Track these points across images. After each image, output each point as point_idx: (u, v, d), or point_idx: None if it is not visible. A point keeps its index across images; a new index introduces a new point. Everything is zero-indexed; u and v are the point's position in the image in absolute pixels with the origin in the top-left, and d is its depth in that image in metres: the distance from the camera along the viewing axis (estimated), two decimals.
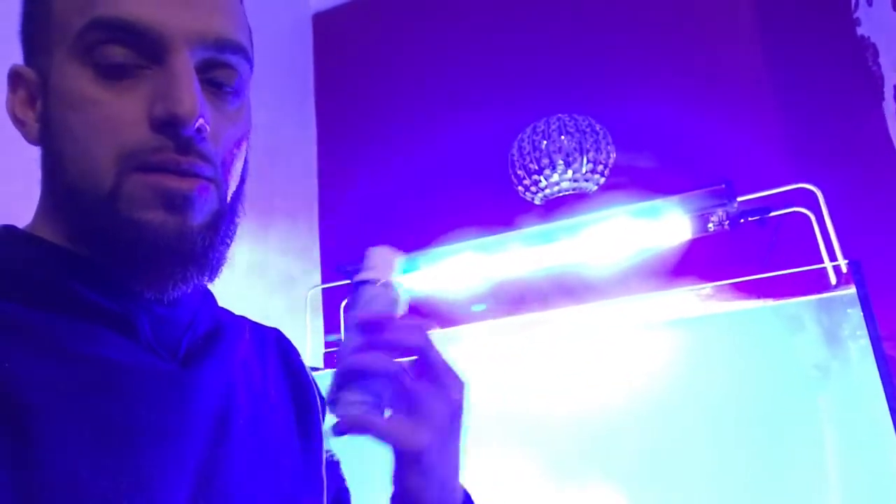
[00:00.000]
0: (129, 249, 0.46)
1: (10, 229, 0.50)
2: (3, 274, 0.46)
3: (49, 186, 0.50)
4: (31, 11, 0.51)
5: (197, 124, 0.44)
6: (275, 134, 1.69)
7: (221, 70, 0.48)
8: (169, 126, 0.44)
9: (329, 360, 1.52)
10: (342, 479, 0.65)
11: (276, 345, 0.63)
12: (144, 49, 0.45)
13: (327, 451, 0.62)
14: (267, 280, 1.55)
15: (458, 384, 0.53)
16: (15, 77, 0.50)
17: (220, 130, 0.48)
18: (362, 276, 0.56)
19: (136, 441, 0.43)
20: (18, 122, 0.50)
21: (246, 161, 0.52)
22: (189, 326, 0.52)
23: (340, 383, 0.51)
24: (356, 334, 0.52)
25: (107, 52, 0.45)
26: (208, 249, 0.48)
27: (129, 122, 0.45)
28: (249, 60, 0.51)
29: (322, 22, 1.97)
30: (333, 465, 0.63)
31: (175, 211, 0.45)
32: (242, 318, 0.62)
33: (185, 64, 0.45)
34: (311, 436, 0.60)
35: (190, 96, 0.44)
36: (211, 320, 0.56)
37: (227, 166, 0.49)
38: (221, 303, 0.61)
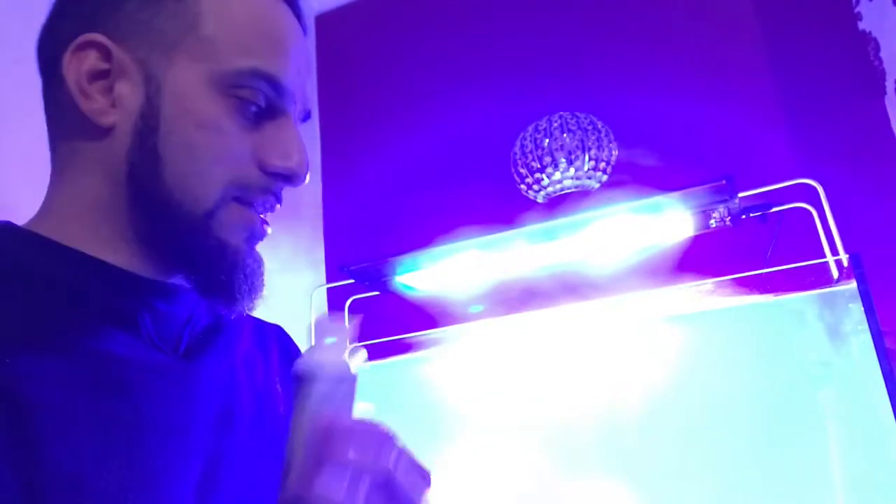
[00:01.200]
0: (210, 265, 0.50)
1: (9, 226, 0.50)
2: (3, 271, 0.47)
3: (132, 181, 0.48)
4: (167, 3, 0.49)
5: (304, 182, 0.53)
6: None
7: None
8: (283, 178, 0.52)
9: None
10: None
11: (278, 342, 0.64)
12: (274, 104, 0.51)
13: None
14: (271, 280, 1.56)
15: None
16: (89, 44, 0.48)
17: None
18: (316, 359, 0.48)
19: (140, 435, 0.44)
20: (83, 94, 0.48)
21: None
22: (188, 321, 0.53)
23: None
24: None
25: (252, 97, 0.50)
26: (258, 272, 0.54)
27: (245, 160, 0.50)
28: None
29: (325, 23, 1.98)
30: None
31: (250, 243, 0.52)
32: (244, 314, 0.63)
33: (297, 128, 0.53)
34: None
35: (305, 157, 0.52)
36: (211, 315, 0.57)
37: None
38: None
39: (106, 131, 0.48)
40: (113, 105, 0.48)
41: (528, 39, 1.70)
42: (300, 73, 0.53)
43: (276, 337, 0.65)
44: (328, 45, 1.95)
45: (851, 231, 1.19)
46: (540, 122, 1.46)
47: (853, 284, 1.00)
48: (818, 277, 1.13)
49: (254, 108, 0.50)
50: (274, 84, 0.50)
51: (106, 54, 0.48)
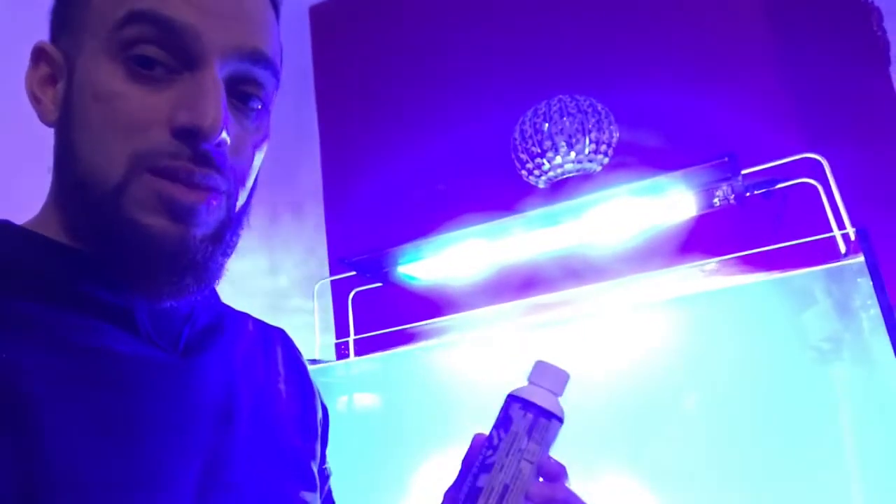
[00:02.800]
0: (125, 250, 0.45)
1: (6, 224, 0.50)
2: (1, 269, 0.46)
3: (58, 172, 0.50)
4: None
5: (217, 140, 0.44)
6: (277, 125, 1.69)
7: (250, 85, 0.48)
8: (190, 136, 0.44)
9: (339, 352, 1.53)
10: (330, 494, 0.65)
11: (280, 344, 0.63)
12: (178, 52, 0.45)
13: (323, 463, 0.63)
14: (274, 273, 1.55)
15: None
16: (39, 53, 0.50)
17: (239, 143, 0.48)
18: (543, 403, 0.51)
19: (139, 432, 0.44)
20: (35, 100, 0.50)
21: (257, 175, 0.52)
22: (188, 319, 0.52)
23: None
24: (541, 479, 0.50)
25: (140, 50, 0.45)
26: (208, 260, 0.47)
27: (150, 123, 0.44)
28: (278, 78, 0.51)
29: (319, 14, 1.97)
30: (324, 479, 0.63)
31: (178, 220, 0.45)
32: (245, 314, 0.62)
33: (215, 76, 0.45)
34: (308, 435, 0.60)
35: (216, 110, 0.44)
36: (211, 314, 0.56)
37: (239, 180, 0.49)
38: (228, 295, 0.61)
39: (55, 131, 0.50)
40: (54, 104, 0.49)
41: (526, 23, 1.68)
42: (217, 13, 0.46)
43: (279, 340, 0.63)
44: (323, 37, 1.94)
45: (858, 204, 1.17)
46: (539, 106, 1.45)
47: (861, 259, 0.98)
48: (825, 253, 1.11)
49: (158, 65, 0.45)
50: (159, 23, 0.44)
51: (49, 59, 0.49)
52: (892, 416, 0.98)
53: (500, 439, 0.50)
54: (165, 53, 0.45)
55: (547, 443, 0.51)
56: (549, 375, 0.52)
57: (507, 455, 0.49)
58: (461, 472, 0.53)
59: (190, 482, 0.45)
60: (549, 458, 0.51)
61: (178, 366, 0.49)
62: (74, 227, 0.48)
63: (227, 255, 0.50)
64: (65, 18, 0.49)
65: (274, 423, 0.55)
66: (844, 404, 1.06)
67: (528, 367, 0.53)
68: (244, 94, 0.48)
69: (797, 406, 1.08)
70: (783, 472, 1.06)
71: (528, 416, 0.50)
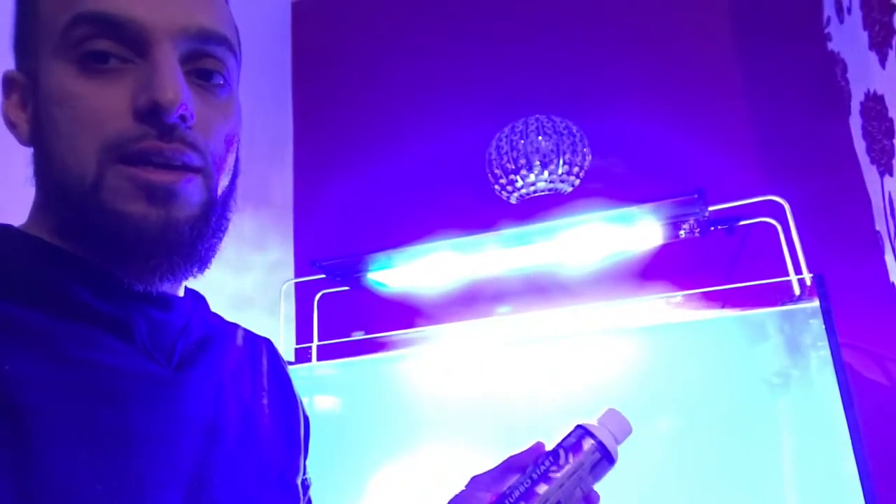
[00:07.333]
0: (112, 241, 0.46)
1: (7, 228, 0.49)
2: (2, 273, 0.46)
3: (40, 184, 0.50)
4: (20, 18, 0.51)
5: (179, 111, 0.45)
6: (250, 125, 1.66)
7: (207, 61, 0.49)
8: (151, 115, 0.44)
9: (301, 355, 1.52)
10: (310, 502, 0.66)
11: (267, 355, 0.64)
12: (128, 42, 0.46)
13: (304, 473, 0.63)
14: (240, 273, 1.53)
15: None
16: (8, 82, 0.51)
17: (208, 121, 0.48)
18: (610, 447, 0.58)
19: (131, 446, 0.44)
20: (11, 126, 0.50)
21: (238, 156, 0.52)
22: (183, 331, 0.53)
23: None
24: None
25: (92, 46, 0.45)
26: (196, 240, 0.48)
27: (113, 114, 0.45)
28: (235, 54, 0.51)
29: (301, 11, 1.94)
30: (305, 490, 0.64)
31: (158, 204, 0.45)
32: (234, 324, 0.63)
33: (166, 55, 0.46)
34: (292, 449, 0.61)
35: (172, 84, 0.44)
36: (203, 326, 0.57)
37: (217, 157, 0.49)
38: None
39: (33, 149, 0.50)
40: (28, 123, 0.50)
41: (508, 41, 1.71)
42: (159, 3, 0.46)
43: (265, 351, 0.64)
44: (304, 35, 1.92)
45: (813, 246, 1.23)
46: (516, 124, 1.47)
47: (815, 303, 1.04)
48: (780, 293, 1.17)
49: (102, 57, 0.45)
50: (105, 21, 0.45)
51: (18, 85, 0.50)
52: (832, 448, 1.04)
53: (566, 461, 0.57)
54: (116, 45, 0.45)
55: (598, 479, 0.58)
56: (618, 424, 0.60)
57: (569, 477, 0.56)
58: (519, 471, 0.60)
59: (177, 495, 0.45)
60: (594, 491, 0.59)
61: (170, 380, 0.49)
62: (62, 232, 0.48)
63: (217, 237, 0.50)
64: (22, 41, 0.50)
65: (259, 439, 0.56)
66: (788, 436, 1.11)
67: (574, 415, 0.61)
68: (203, 72, 0.49)
69: (745, 435, 1.13)
70: (728, 493, 1.11)
71: (596, 454, 0.57)
